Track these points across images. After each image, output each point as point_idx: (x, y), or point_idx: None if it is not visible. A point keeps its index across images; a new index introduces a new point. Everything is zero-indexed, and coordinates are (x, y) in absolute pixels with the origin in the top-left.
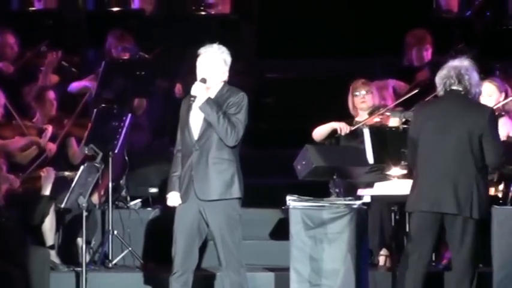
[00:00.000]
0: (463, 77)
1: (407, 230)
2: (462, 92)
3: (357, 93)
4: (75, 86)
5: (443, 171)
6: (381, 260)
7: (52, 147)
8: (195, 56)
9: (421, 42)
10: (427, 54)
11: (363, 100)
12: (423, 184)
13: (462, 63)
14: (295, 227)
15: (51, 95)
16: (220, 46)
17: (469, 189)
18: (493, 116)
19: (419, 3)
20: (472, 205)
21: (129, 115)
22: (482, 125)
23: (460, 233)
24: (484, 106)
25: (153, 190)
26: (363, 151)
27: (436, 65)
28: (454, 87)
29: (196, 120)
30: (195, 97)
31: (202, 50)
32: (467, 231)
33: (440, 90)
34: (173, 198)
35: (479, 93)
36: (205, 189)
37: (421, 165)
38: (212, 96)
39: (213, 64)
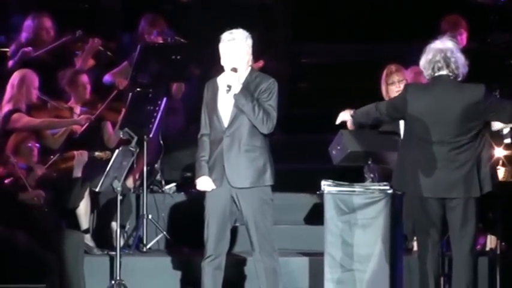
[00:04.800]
0: (450, 60)
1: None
2: (451, 77)
3: (392, 81)
4: (107, 79)
5: (442, 155)
6: (415, 245)
7: (77, 127)
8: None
9: (455, 27)
10: (462, 40)
11: (398, 89)
12: (422, 168)
13: (446, 45)
14: (330, 212)
15: (84, 78)
16: (243, 31)
17: (470, 169)
18: (487, 89)
19: None
20: (473, 185)
21: (164, 99)
22: (479, 101)
23: (462, 214)
24: (476, 85)
25: (188, 174)
26: (398, 136)
27: (471, 50)
28: (442, 72)
29: (225, 106)
30: (230, 87)
31: (226, 38)
32: (468, 213)
33: (427, 75)
34: (203, 183)
35: (466, 73)
36: (238, 177)
37: (415, 148)
38: (241, 82)
39: (241, 53)
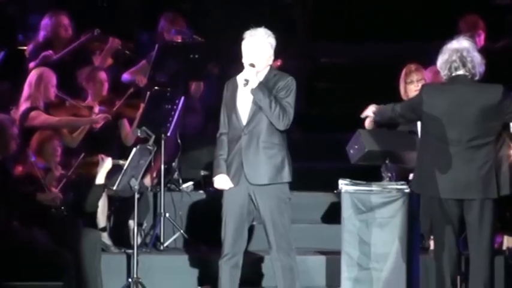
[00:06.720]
0: (466, 59)
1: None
2: (468, 76)
3: (410, 80)
4: (126, 77)
5: (460, 156)
6: (432, 244)
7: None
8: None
9: (473, 28)
10: (480, 40)
11: (416, 89)
12: (439, 169)
13: (462, 44)
14: (347, 211)
15: (102, 75)
16: (266, 30)
17: (488, 170)
18: (506, 90)
19: None
20: (491, 186)
21: (182, 98)
22: (497, 102)
23: (480, 213)
24: (494, 85)
25: (205, 173)
26: (416, 135)
27: (489, 50)
28: (459, 72)
29: (244, 104)
30: (247, 81)
31: (248, 34)
32: (485, 213)
33: (444, 75)
34: (221, 181)
35: (483, 71)
36: (256, 173)
37: (433, 149)
38: (260, 80)
39: (260, 49)
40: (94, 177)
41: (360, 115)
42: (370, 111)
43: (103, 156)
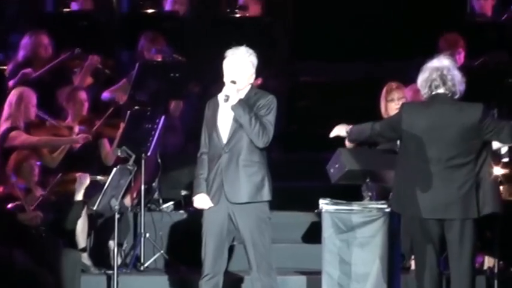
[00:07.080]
0: (446, 78)
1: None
2: (448, 95)
3: (391, 98)
4: (106, 95)
5: (439, 175)
6: (413, 264)
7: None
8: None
9: (453, 46)
10: (460, 58)
11: (397, 107)
12: (419, 188)
13: (442, 63)
14: (328, 230)
15: (82, 95)
16: (248, 48)
17: (468, 190)
18: (485, 108)
19: (453, 7)
20: (471, 206)
21: (163, 117)
22: (477, 121)
23: (460, 233)
24: (474, 104)
25: (186, 192)
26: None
27: (468, 68)
28: (439, 91)
29: (224, 123)
30: (228, 97)
31: (230, 53)
32: (466, 232)
33: (425, 94)
34: (201, 200)
35: (463, 90)
36: (235, 192)
37: (412, 168)
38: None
39: (241, 67)
40: (72, 194)
41: (330, 134)
42: (342, 131)
43: (81, 174)
